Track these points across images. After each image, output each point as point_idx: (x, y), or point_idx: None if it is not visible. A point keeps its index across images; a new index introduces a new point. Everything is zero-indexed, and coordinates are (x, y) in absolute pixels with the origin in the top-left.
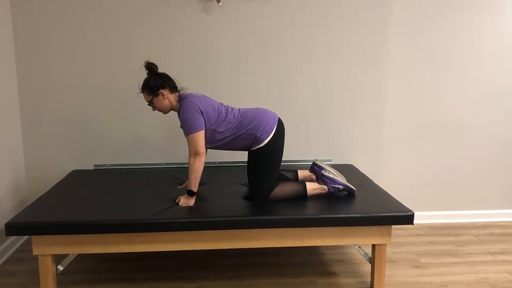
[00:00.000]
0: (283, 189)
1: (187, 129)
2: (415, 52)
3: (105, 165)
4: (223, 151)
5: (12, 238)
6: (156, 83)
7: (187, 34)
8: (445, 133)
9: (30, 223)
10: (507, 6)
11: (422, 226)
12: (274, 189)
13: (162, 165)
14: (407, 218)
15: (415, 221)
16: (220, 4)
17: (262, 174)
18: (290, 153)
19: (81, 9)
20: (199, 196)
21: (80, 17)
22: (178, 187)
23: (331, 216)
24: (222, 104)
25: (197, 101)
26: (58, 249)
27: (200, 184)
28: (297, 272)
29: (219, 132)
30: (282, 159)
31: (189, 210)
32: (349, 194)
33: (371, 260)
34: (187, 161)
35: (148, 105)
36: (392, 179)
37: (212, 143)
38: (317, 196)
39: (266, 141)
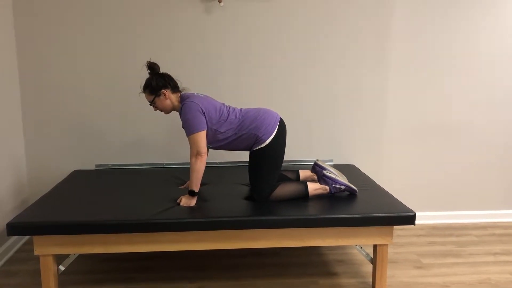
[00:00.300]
0: (285, 189)
1: (189, 129)
2: (416, 53)
3: (107, 165)
4: (224, 151)
5: (14, 238)
6: (158, 83)
7: (189, 34)
8: (447, 133)
9: (32, 223)
10: (508, 6)
11: (424, 227)
12: (275, 189)
13: (164, 165)
14: (409, 219)
15: (416, 222)
16: (222, 4)
17: (263, 174)
18: (292, 153)
19: (82, 9)
20: (200, 196)
21: (82, 17)
22: (179, 187)
23: (332, 216)
24: (224, 104)
25: (199, 101)
26: (60, 249)
27: (202, 184)
28: (298, 273)
29: (221, 132)
30: (284, 159)
31: (190, 210)
32: (351, 195)
33: (373, 261)
34: (189, 161)
35: (150, 105)
36: (393, 179)
37: (213, 143)
38: (319, 197)
39: (267, 141)
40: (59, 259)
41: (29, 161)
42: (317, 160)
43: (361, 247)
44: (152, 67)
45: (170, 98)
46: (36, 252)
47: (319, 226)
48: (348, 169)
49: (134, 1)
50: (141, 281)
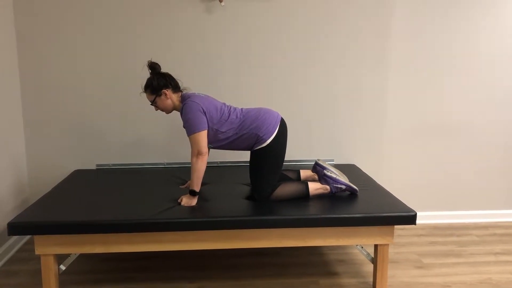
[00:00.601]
0: (285, 189)
1: (190, 128)
2: (416, 53)
3: (107, 165)
4: (225, 151)
5: (14, 237)
6: (159, 82)
7: (190, 34)
8: (448, 133)
9: (32, 222)
10: (508, 6)
11: (425, 226)
12: (276, 189)
13: (164, 165)
14: (410, 218)
15: (417, 221)
16: (223, 4)
17: (264, 174)
18: (293, 153)
19: (83, 9)
20: (201, 196)
21: (83, 17)
22: (180, 186)
23: (333, 216)
24: (224, 104)
25: (199, 101)
26: (60, 249)
27: (202, 184)
28: (298, 273)
29: (222, 132)
30: (285, 159)
31: (191, 210)
32: (352, 194)
33: (373, 261)
34: (190, 161)
35: (151, 104)
36: (394, 179)
37: (214, 143)
38: (319, 196)
39: (268, 141)
40: (60, 258)
41: (30, 160)
42: (318, 159)
43: (362, 247)
44: (153, 66)
45: (171, 97)
46: (37, 252)
47: (319, 226)
48: (349, 169)
49: (134, 1)
50: (141, 281)
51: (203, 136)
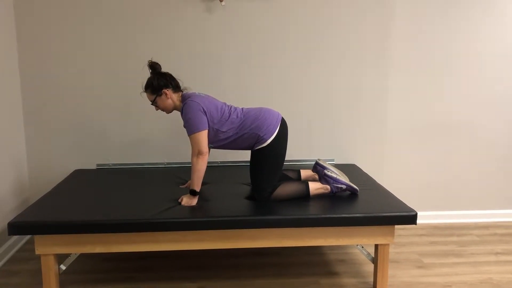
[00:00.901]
0: (286, 188)
1: (190, 128)
2: (417, 52)
3: (108, 164)
4: (225, 150)
5: (15, 237)
6: (159, 82)
7: (190, 33)
8: (448, 133)
9: (33, 222)
10: (508, 6)
11: (425, 226)
12: (276, 189)
13: (165, 164)
14: (410, 218)
15: (418, 221)
16: (223, 3)
17: (264, 173)
18: (293, 152)
19: (83, 9)
20: (201, 195)
21: (83, 17)
22: (180, 186)
23: (333, 216)
24: (225, 103)
25: (200, 101)
26: (61, 249)
27: (203, 184)
28: (299, 272)
29: (222, 132)
30: (285, 159)
31: (191, 210)
32: (352, 194)
33: (374, 260)
34: (190, 161)
35: (151, 104)
36: (395, 179)
37: (215, 142)
38: (320, 196)
39: (269, 141)
40: (60, 258)
41: (30, 160)
42: (319, 159)
43: (362, 247)
44: (154, 66)
45: (171, 97)
46: (37, 252)
47: (320, 225)
48: (349, 169)
49: (134, 1)
50: (141, 280)
51: (203, 136)
